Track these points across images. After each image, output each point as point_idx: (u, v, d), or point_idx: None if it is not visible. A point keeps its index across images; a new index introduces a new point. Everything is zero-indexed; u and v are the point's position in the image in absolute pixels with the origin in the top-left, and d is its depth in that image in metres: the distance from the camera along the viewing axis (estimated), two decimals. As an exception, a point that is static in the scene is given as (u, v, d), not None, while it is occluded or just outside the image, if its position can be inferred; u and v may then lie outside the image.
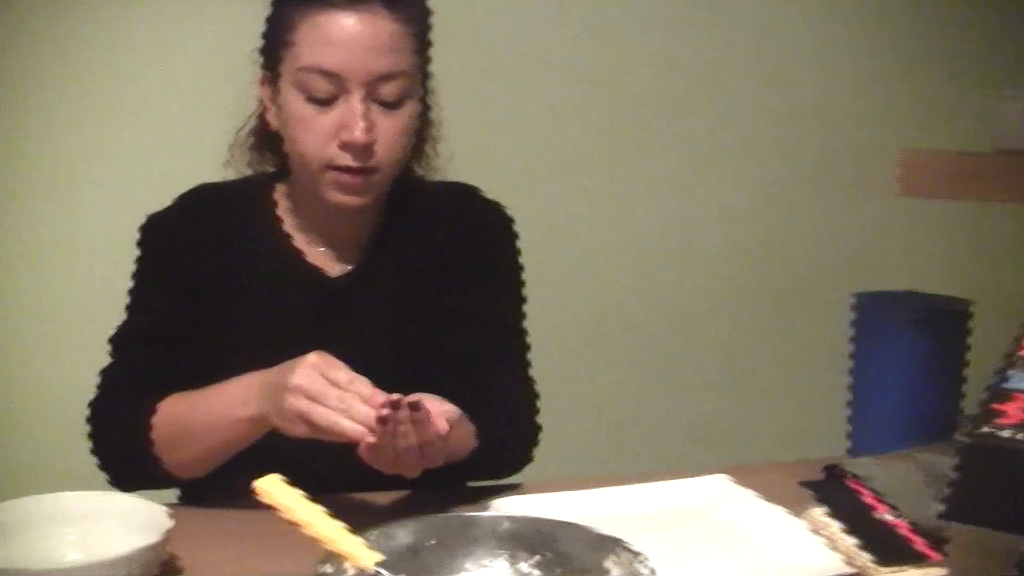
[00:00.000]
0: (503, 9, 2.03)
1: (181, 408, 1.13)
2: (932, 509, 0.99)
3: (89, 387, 1.19)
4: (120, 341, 1.21)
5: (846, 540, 1.00)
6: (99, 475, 1.16)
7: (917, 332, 1.20)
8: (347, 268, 1.24)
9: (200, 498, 1.16)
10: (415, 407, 0.97)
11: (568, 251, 2.12)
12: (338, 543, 0.83)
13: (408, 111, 1.15)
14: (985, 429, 0.79)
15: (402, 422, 0.97)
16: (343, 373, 1.00)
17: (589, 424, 2.14)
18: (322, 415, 0.98)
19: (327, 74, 1.11)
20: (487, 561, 0.90)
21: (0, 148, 1.89)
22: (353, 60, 1.10)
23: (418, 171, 1.27)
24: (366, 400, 0.98)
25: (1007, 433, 0.78)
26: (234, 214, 1.24)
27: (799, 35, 2.15)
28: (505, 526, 0.91)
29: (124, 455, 1.15)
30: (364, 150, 1.13)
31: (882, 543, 0.98)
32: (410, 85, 1.15)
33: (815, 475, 1.15)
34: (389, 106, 1.13)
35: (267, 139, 1.24)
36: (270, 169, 1.27)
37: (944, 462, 1.06)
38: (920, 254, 2.19)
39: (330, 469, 1.05)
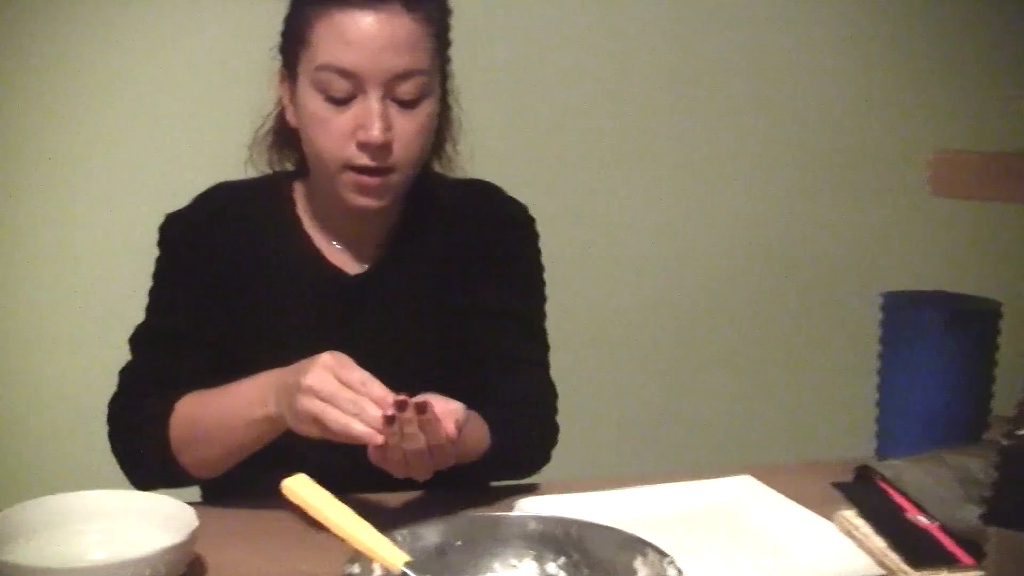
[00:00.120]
0: (524, 7, 2.02)
1: (197, 408, 1.12)
2: (964, 512, 0.98)
3: (106, 385, 1.19)
4: (139, 340, 1.21)
5: (877, 542, 0.99)
6: (120, 473, 1.16)
7: (947, 333, 1.19)
8: (366, 266, 1.23)
9: (222, 496, 1.16)
10: (422, 409, 0.96)
11: (593, 249, 2.11)
12: (366, 544, 0.83)
13: (426, 110, 1.15)
14: (1024, 431, 0.77)
15: (409, 422, 0.96)
16: (356, 374, 0.99)
17: (610, 424, 2.13)
18: (333, 417, 0.97)
19: (344, 73, 1.10)
20: (514, 562, 0.89)
21: (0, 148, 1.88)
22: (370, 59, 1.10)
23: (439, 169, 1.26)
24: (377, 402, 0.97)
25: (1047, 435, 0.77)
26: (253, 213, 1.23)
27: (832, 36, 2.14)
28: (532, 527, 0.90)
29: (141, 454, 1.15)
30: (381, 150, 1.12)
31: (914, 545, 0.97)
32: (428, 84, 1.14)
33: (840, 475, 1.14)
34: (407, 105, 1.13)
35: (287, 137, 1.23)
36: (289, 167, 1.26)
37: (974, 464, 1.05)
38: (949, 254, 2.18)
39: (351, 469, 1.04)
